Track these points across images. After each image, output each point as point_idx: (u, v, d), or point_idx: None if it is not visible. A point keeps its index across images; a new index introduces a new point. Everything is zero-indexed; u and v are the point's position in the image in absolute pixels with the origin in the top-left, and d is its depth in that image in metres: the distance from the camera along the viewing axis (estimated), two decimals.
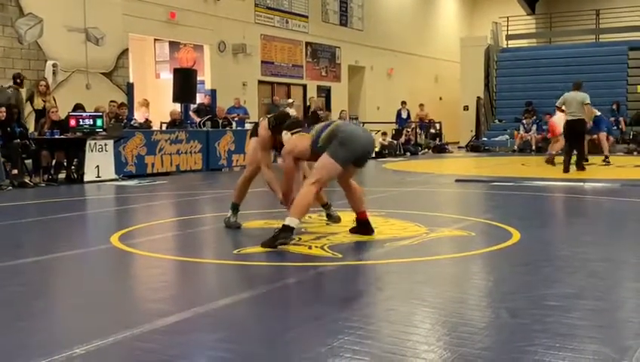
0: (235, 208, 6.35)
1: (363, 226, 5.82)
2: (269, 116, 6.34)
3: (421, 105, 24.08)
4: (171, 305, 3.71)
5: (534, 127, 21.58)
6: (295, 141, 5.73)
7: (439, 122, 24.24)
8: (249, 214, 6.92)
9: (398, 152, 20.62)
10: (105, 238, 5.79)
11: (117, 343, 3.04)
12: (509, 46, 27.25)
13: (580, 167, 12.76)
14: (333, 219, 6.46)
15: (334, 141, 5.39)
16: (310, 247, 5.33)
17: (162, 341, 3.11)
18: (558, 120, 14.30)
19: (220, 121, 16.02)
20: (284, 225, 5.22)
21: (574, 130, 12.64)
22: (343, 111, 19.98)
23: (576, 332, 3.23)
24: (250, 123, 17.99)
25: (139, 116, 16.80)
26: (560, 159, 14.74)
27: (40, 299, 3.93)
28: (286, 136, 5.85)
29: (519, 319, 3.41)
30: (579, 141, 12.87)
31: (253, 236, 5.90)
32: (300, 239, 5.63)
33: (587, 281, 4.26)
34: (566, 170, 12.48)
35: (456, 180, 11.24)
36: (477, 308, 3.70)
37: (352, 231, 5.91)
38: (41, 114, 12.43)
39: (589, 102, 12.99)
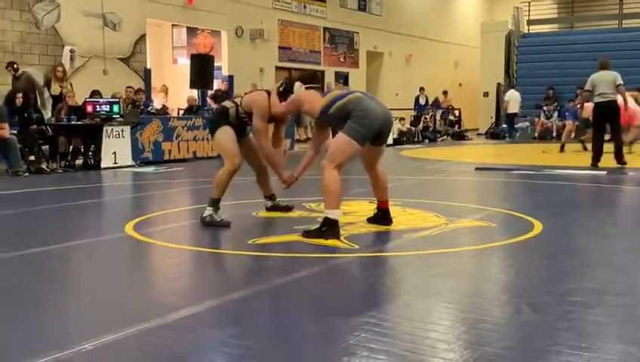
0: (216, 204, 5.85)
1: (383, 216, 5.70)
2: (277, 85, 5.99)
3: (445, 92, 23.75)
4: (184, 298, 3.64)
5: (555, 114, 21.29)
6: (308, 96, 5.48)
7: (458, 108, 23.99)
8: (263, 203, 6.82)
9: (416, 139, 20.44)
10: (119, 227, 5.73)
11: (127, 338, 2.97)
12: (531, 31, 26.86)
13: (620, 158, 10.99)
14: (280, 209, 6.36)
15: (349, 118, 5.13)
16: (326, 238, 5.22)
17: (174, 336, 3.03)
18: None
19: None
20: (326, 219, 5.07)
21: (606, 114, 11.13)
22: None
23: (602, 330, 3.11)
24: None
25: (158, 102, 16.79)
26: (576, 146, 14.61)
27: (49, 291, 3.85)
28: (299, 87, 5.62)
29: (541, 315, 3.30)
30: (614, 126, 11.26)
31: (267, 226, 5.83)
32: None
33: (611, 275, 4.13)
34: (596, 161, 10.92)
35: (476, 168, 11.08)
36: (497, 303, 3.59)
37: (370, 220, 5.80)
38: (58, 99, 12.42)
39: (622, 82, 11.65)
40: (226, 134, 5.86)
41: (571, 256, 4.67)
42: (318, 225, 5.15)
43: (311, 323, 3.26)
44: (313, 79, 6.19)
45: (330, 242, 5.04)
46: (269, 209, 6.45)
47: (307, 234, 5.16)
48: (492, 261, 4.73)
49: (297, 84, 5.69)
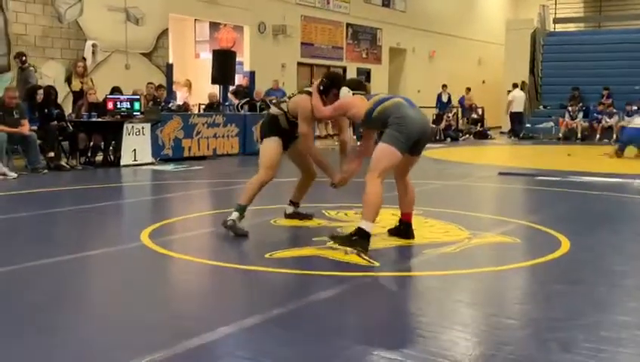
0: (243, 211, 5.73)
1: (405, 230, 5.54)
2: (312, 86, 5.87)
3: (468, 88, 23.42)
4: (195, 323, 3.50)
5: (580, 115, 20.94)
6: (355, 101, 5.39)
7: (482, 107, 23.68)
8: (282, 209, 6.69)
9: (438, 138, 20.19)
10: (135, 235, 5.62)
11: None
12: (557, 30, 26.44)
13: None
14: (301, 217, 6.28)
15: (388, 125, 5.06)
16: (346, 252, 5.08)
17: None
18: None
19: (258, 104, 15.80)
20: (359, 229, 4.94)
21: None
22: None
23: None
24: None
25: (180, 96, 16.73)
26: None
27: (54, 311, 3.73)
28: (347, 92, 5.48)
29: (571, 354, 3.13)
30: None
31: (285, 236, 5.69)
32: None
33: None
34: None
35: (499, 173, 10.87)
36: (525, 338, 3.41)
37: (392, 232, 5.65)
38: (78, 95, 12.37)
39: None
40: (271, 144, 5.80)
41: (601, 280, 4.48)
42: (352, 237, 4.98)
43: (325, 357, 3.11)
44: (360, 86, 6.05)
45: (350, 258, 4.90)
46: (288, 215, 6.32)
47: (335, 238, 5.07)
48: (517, 285, 4.55)
49: (345, 89, 5.54)
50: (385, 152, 5.05)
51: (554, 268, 4.80)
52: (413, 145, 5.15)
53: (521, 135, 21.88)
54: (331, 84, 5.65)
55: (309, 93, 5.75)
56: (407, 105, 5.19)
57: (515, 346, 3.25)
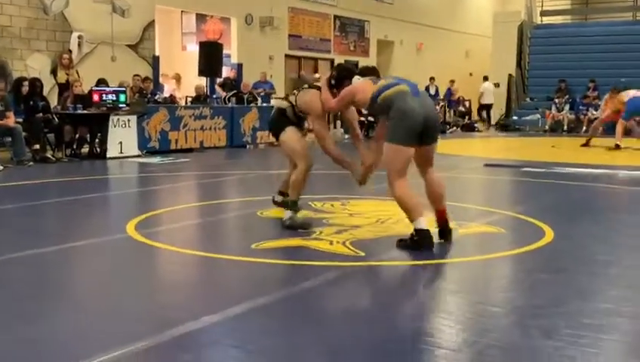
0: (295, 205, 5.71)
1: (441, 230, 5.14)
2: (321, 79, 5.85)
3: (452, 81, 23.52)
4: (181, 312, 3.50)
5: (567, 107, 21.05)
6: (359, 86, 5.19)
7: (469, 100, 23.75)
8: (269, 201, 6.69)
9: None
10: (121, 226, 5.61)
11: (118, 360, 2.85)
12: (544, 22, 26.53)
13: None
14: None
15: (389, 117, 4.89)
16: (332, 243, 5.10)
17: (168, 357, 2.92)
18: None
19: (245, 97, 15.77)
20: (416, 230, 4.82)
21: None
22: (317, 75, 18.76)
23: (616, 360, 2.98)
24: (277, 98, 17.74)
25: (168, 88, 16.67)
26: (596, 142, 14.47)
27: (38, 301, 3.72)
28: (354, 80, 5.36)
29: (552, 340, 3.16)
30: None
31: (272, 227, 5.69)
32: (322, 232, 5.42)
33: (625, 293, 3.98)
34: None
35: (485, 165, 10.92)
36: (508, 325, 3.44)
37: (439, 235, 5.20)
38: (64, 87, 12.30)
39: None
40: (293, 135, 5.76)
41: (584, 268, 4.52)
42: (410, 235, 4.89)
43: (313, 345, 3.12)
44: (373, 71, 5.89)
45: (336, 248, 4.92)
46: (276, 203, 6.22)
47: (400, 243, 4.94)
48: (502, 273, 4.60)
49: (356, 78, 5.42)
50: (394, 153, 4.90)
51: (538, 257, 4.83)
52: (422, 135, 4.92)
53: (488, 128, 22.15)
54: (344, 77, 5.51)
55: (319, 88, 5.67)
56: (409, 94, 4.92)
57: (498, 333, 3.28)
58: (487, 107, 23.35)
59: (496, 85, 25.14)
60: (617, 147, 13.82)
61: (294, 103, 5.77)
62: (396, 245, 4.97)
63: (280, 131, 5.81)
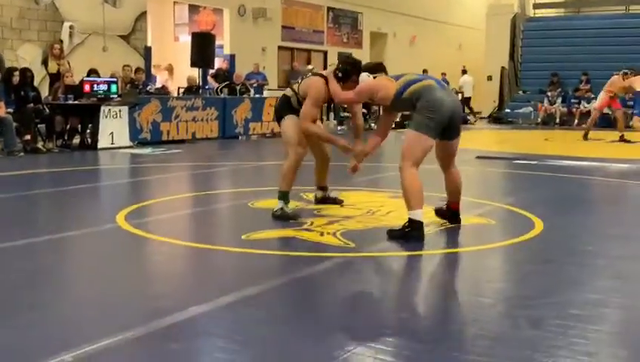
0: (286, 197, 5.69)
1: (452, 215, 5.45)
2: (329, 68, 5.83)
3: (443, 74, 23.49)
4: (170, 302, 3.49)
5: (559, 100, 21.09)
6: (382, 82, 5.17)
7: (461, 92, 23.73)
8: (261, 192, 6.69)
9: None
10: (111, 216, 5.60)
11: (107, 349, 2.85)
12: (537, 15, 26.53)
13: None
14: (330, 201, 6.23)
15: (416, 108, 4.91)
16: (322, 234, 5.10)
17: (157, 347, 2.91)
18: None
19: (238, 88, 15.73)
20: (410, 220, 4.84)
21: None
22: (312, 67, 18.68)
23: (601, 350, 2.99)
24: (269, 90, 17.70)
25: (160, 80, 16.61)
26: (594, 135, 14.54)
27: (27, 292, 3.70)
28: (367, 77, 5.32)
29: (541, 331, 3.17)
30: None
31: (262, 218, 5.68)
32: (313, 223, 5.42)
33: (614, 284, 4.00)
34: None
35: (477, 157, 10.92)
36: (496, 315, 3.45)
37: (438, 213, 5.54)
38: (55, 78, 12.24)
39: None
40: (290, 122, 5.74)
41: (573, 260, 4.53)
42: (403, 228, 4.90)
43: (300, 334, 3.13)
44: (380, 67, 5.86)
45: (326, 239, 4.92)
46: (318, 200, 6.26)
47: (391, 233, 4.96)
48: (492, 264, 4.60)
49: (364, 74, 5.38)
50: (417, 140, 4.90)
51: (527, 249, 4.85)
52: (446, 130, 4.98)
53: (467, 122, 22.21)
54: (351, 70, 5.48)
55: (322, 77, 5.69)
56: (437, 88, 5.00)
57: (486, 323, 3.29)
58: (467, 100, 23.19)
59: (489, 78, 25.16)
60: (623, 138, 13.91)
61: (297, 91, 5.79)
62: (387, 235, 4.97)
63: (282, 118, 5.85)
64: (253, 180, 6.58)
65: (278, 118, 5.96)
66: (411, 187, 4.89)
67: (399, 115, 5.30)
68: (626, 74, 14.43)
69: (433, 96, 4.91)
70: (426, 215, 5.27)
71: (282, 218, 5.56)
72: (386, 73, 5.42)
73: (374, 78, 5.30)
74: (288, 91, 5.98)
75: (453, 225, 5.47)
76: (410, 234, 4.85)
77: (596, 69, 21.41)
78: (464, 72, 23.06)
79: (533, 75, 23.72)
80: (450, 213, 5.49)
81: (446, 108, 4.91)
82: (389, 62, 24.41)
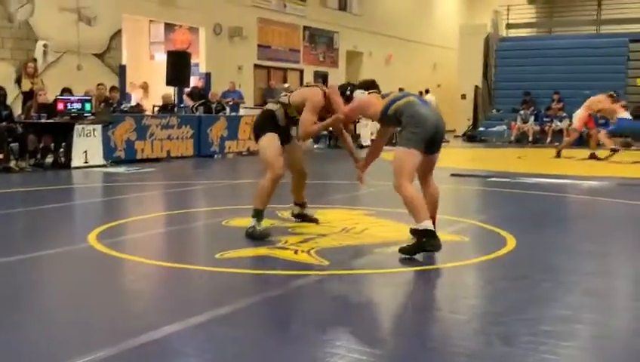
0: (260, 215, 5.57)
1: None
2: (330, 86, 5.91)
3: (427, 90, 23.62)
4: (140, 322, 3.47)
5: (532, 118, 21.37)
6: (372, 100, 5.38)
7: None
8: (237, 210, 6.67)
9: (394, 140, 20.30)
10: (82, 236, 5.54)
11: None
12: (509, 35, 26.92)
13: None
14: (307, 220, 6.19)
15: (402, 124, 5.07)
16: (296, 252, 5.10)
17: None
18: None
19: (214, 106, 15.72)
20: (424, 231, 4.88)
21: None
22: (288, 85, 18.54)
23: None
24: (245, 108, 17.71)
25: (135, 98, 16.55)
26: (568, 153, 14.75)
27: None
28: (360, 93, 5.47)
29: (513, 347, 3.19)
30: None
31: (237, 237, 5.66)
32: (287, 241, 5.41)
33: (584, 300, 4.04)
34: None
35: (452, 174, 11.00)
36: (469, 332, 3.47)
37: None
38: (28, 96, 12.13)
39: None
40: (271, 141, 5.64)
41: (545, 276, 4.56)
42: (413, 243, 4.94)
43: (275, 353, 3.11)
44: (374, 85, 6.00)
45: (300, 257, 4.92)
46: (295, 216, 6.23)
47: (404, 250, 4.97)
48: (465, 281, 4.63)
49: (359, 91, 5.53)
50: (407, 156, 5.03)
51: (499, 266, 4.89)
52: (429, 144, 5.10)
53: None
54: (353, 91, 5.60)
55: (322, 89, 5.75)
56: (419, 103, 5.19)
57: (458, 340, 3.30)
58: None
59: (463, 97, 25.43)
60: (594, 156, 14.14)
61: (287, 103, 5.71)
62: (400, 253, 4.97)
63: (261, 134, 5.72)
64: (228, 199, 6.55)
65: (257, 134, 5.82)
66: (415, 201, 4.99)
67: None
68: (612, 96, 14.71)
69: (417, 111, 5.07)
70: (402, 232, 5.29)
71: (252, 237, 5.48)
72: (379, 91, 5.56)
73: (369, 93, 5.46)
74: (273, 105, 5.83)
75: None
76: (427, 244, 4.90)
77: (568, 88, 21.78)
78: (427, 91, 23.08)
79: (507, 94, 24.03)
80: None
81: (430, 124, 5.06)
82: None
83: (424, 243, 4.90)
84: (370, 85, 5.60)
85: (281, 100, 5.79)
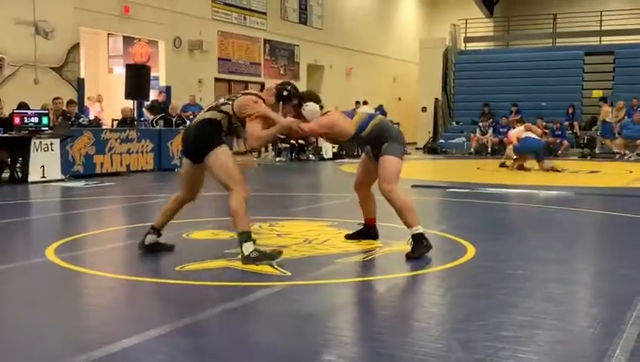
0: (250, 236, 5.07)
1: (372, 231, 5.98)
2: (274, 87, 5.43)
3: (364, 101, 23.78)
4: (98, 336, 3.41)
5: (490, 130, 21.68)
6: (340, 119, 5.48)
7: (397, 123, 24.10)
8: (194, 223, 6.63)
9: (356, 153, 20.43)
10: (40, 250, 5.44)
11: None
12: (467, 48, 27.33)
13: None
14: (161, 248, 5.55)
15: (388, 140, 5.41)
16: (257, 263, 5.06)
17: None
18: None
19: (174, 120, 15.62)
20: (417, 235, 5.31)
21: None
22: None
23: None
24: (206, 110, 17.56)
25: (93, 111, 16.35)
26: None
27: None
28: (315, 107, 5.34)
29: (472, 353, 3.22)
30: None
31: (197, 249, 5.62)
32: None
33: (543, 306, 4.10)
34: None
35: (413, 186, 11.09)
36: (428, 339, 3.48)
37: (353, 236, 6.01)
38: None
39: None
40: (227, 156, 5.11)
41: (504, 284, 4.62)
42: (415, 246, 5.30)
43: None
44: (318, 99, 5.75)
45: (261, 268, 4.89)
46: (147, 246, 5.47)
47: (411, 255, 5.26)
48: (425, 289, 4.67)
49: (311, 104, 5.34)
50: (397, 164, 5.44)
51: (459, 274, 4.94)
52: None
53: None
54: (294, 95, 5.39)
55: (250, 95, 5.30)
56: (386, 120, 5.86)
57: (419, 347, 3.32)
58: None
59: (424, 110, 25.69)
60: (553, 168, 14.44)
61: (230, 112, 5.17)
62: (407, 258, 5.24)
63: (208, 149, 5.08)
64: (188, 212, 6.46)
65: (207, 145, 5.11)
66: (406, 206, 5.41)
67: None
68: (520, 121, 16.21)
69: (391, 126, 5.65)
70: (364, 243, 5.31)
71: (260, 260, 4.95)
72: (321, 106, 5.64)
73: (321, 108, 5.54)
74: (216, 114, 5.18)
75: (386, 252, 5.54)
76: (427, 246, 5.31)
77: (526, 100, 22.19)
78: (365, 102, 23.04)
79: (466, 107, 24.37)
80: (370, 230, 5.99)
81: (402, 137, 5.60)
82: (326, 93, 24.75)
83: (426, 245, 5.30)
84: (318, 99, 5.60)
85: (225, 110, 5.20)
